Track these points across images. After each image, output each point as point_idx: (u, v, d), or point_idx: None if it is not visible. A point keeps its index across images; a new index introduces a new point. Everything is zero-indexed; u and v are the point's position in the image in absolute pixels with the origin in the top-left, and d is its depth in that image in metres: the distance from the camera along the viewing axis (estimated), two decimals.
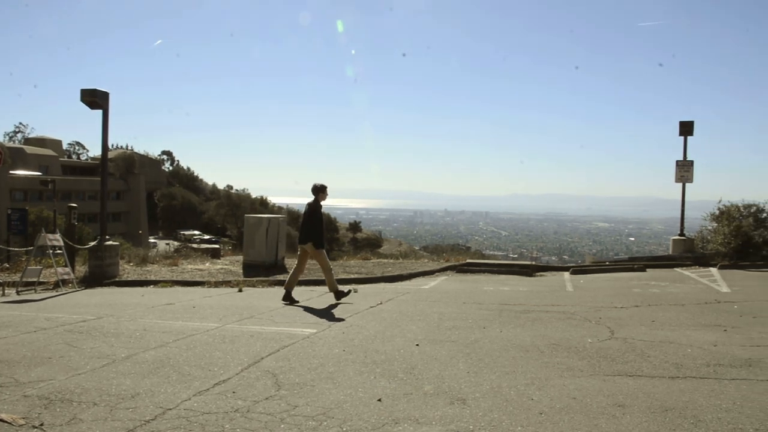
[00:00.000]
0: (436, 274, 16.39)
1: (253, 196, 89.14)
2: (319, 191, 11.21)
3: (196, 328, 8.46)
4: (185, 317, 9.48)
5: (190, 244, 29.58)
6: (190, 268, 16.91)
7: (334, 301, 11.22)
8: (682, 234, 19.28)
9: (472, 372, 6.21)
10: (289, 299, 11.09)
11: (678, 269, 16.75)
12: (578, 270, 16.87)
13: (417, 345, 7.46)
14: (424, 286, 14.05)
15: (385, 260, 19.75)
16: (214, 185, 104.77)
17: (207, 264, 17.89)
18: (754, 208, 18.27)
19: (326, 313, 9.86)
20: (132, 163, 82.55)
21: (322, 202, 11.36)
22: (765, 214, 18.25)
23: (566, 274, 16.30)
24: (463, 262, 18.20)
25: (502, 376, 6.07)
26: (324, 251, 11.24)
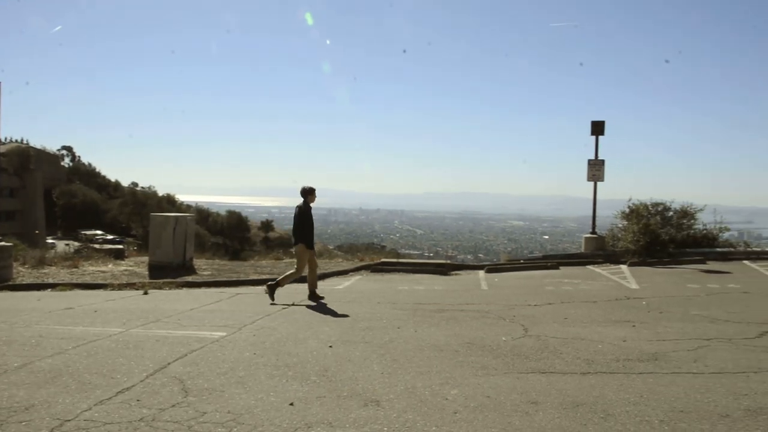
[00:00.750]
0: (351, 273, 16.40)
1: (160, 194, 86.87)
2: (308, 193, 11.98)
3: (98, 334, 8.18)
4: (86, 322, 9.14)
5: (91, 245, 28.51)
6: (92, 269, 16.33)
7: (248, 301, 11.17)
8: (593, 232, 19.96)
9: (386, 373, 6.25)
10: (315, 298, 11.54)
11: (590, 267, 17.36)
12: (493, 268, 17.22)
13: (330, 346, 7.46)
14: (338, 286, 14.05)
15: None
16: (117, 182, 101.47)
17: (110, 265, 17.32)
18: (661, 206, 19.19)
19: (237, 316, 9.72)
20: (27, 158, 78.86)
21: (312, 204, 12.18)
22: (671, 213, 19.19)
23: (481, 273, 16.60)
24: (378, 261, 18.26)
25: (416, 376, 6.14)
26: (313, 251, 12.06)
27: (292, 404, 5.23)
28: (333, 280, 15.27)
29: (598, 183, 19.92)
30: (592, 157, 19.92)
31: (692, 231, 19.32)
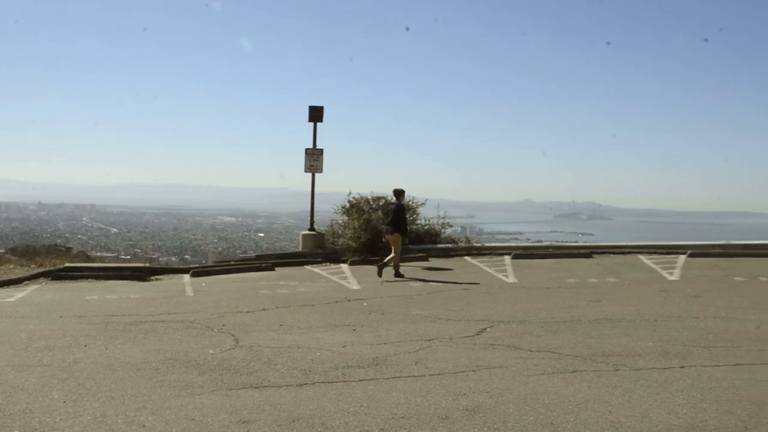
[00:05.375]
0: (26, 282, 15.33)
1: None
2: (401, 194, 16.50)
3: None
4: None
5: None
6: None
7: None
8: (312, 229, 20.44)
9: (69, 401, 5.95)
10: (399, 275, 15.57)
11: (308, 267, 17.90)
12: (200, 271, 17.08)
13: None
14: (9, 298, 13.02)
15: None
16: None
17: None
18: (383, 201, 20.29)
19: None
20: None
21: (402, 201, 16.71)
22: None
23: (186, 277, 16.40)
24: (62, 266, 17.28)
25: (107, 402, 5.91)
26: (401, 239, 15.93)
27: None
28: (3, 291, 14.07)
29: (317, 174, 20.39)
30: (310, 146, 20.31)
31: (415, 226, 20.67)
